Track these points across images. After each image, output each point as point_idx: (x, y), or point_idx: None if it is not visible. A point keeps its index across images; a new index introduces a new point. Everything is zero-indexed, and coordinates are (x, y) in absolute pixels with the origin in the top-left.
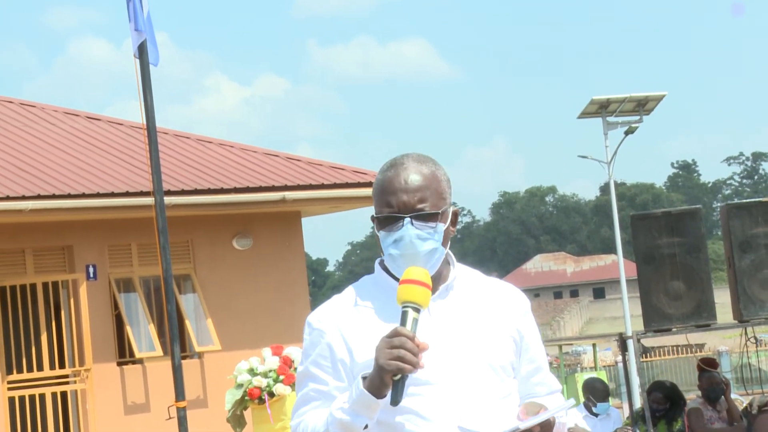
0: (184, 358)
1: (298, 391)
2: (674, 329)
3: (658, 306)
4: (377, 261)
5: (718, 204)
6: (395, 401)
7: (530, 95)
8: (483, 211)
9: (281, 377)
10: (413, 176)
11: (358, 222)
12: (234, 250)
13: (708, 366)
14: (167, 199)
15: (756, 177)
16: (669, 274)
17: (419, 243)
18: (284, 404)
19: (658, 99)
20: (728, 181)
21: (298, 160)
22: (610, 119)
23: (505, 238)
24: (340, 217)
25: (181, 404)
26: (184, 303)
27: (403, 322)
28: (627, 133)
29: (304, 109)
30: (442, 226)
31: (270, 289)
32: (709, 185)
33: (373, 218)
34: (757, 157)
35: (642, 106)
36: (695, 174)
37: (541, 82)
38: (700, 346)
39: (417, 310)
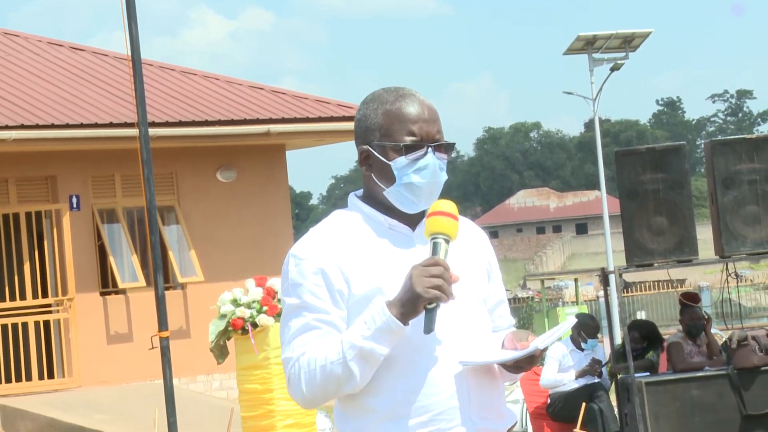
0: (167, 288)
1: (287, 323)
2: (656, 264)
3: (641, 241)
4: (354, 195)
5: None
6: (429, 330)
7: (516, 31)
8: (467, 146)
9: (264, 308)
10: (428, 107)
11: (343, 156)
12: (218, 183)
13: (690, 301)
14: (152, 131)
15: (740, 114)
16: (652, 209)
17: (440, 173)
18: (267, 335)
19: (644, 36)
20: (712, 119)
21: (283, 93)
22: (596, 56)
23: (489, 174)
24: (325, 150)
25: (164, 334)
26: (167, 234)
27: (435, 253)
28: (612, 69)
29: (290, 42)
30: (448, 159)
31: (253, 222)
32: (694, 122)
33: (372, 146)
34: (742, 94)
35: (628, 42)
36: (680, 111)
37: (528, 18)
38: (681, 282)
39: (447, 242)
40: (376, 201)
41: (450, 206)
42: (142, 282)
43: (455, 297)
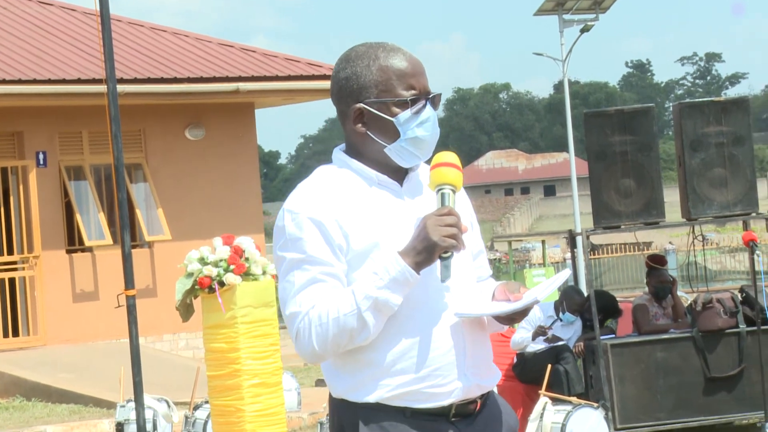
0: (134, 247)
1: (287, 278)
2: (623, 226)
3: (608, 203)
4: (340, 150)
5: (671, 104)
6: (446, 277)
7: None
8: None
9: (232, 267)
10: (418, 61)
11: (312, 115)
12: (186, 141)
13: (656, 263)
14: (120, 87)
15: (708, 77)
16: (620, 171)
17: (437, 126)
18: (234, 294)
19: None
20: (681, 81)
21: (253, 51)
22: (566, 17)
23: (458, 134)
24: (294, 109)
25: (131, 292)
26: (135, 192)
27: (445, 203)
28: (583, 31)
29: (260, 0)
30: None
31: (222, 180)
32: (662, 85)
33: (368, 104)
34: (710, 57)
35: (598, 4)
36: (649, 74)
37: None
38: (648, 244)
39: (454, 192)
40: (365, 157)
41: (453, 157)
42: (109, 240)
43: (465, 247)
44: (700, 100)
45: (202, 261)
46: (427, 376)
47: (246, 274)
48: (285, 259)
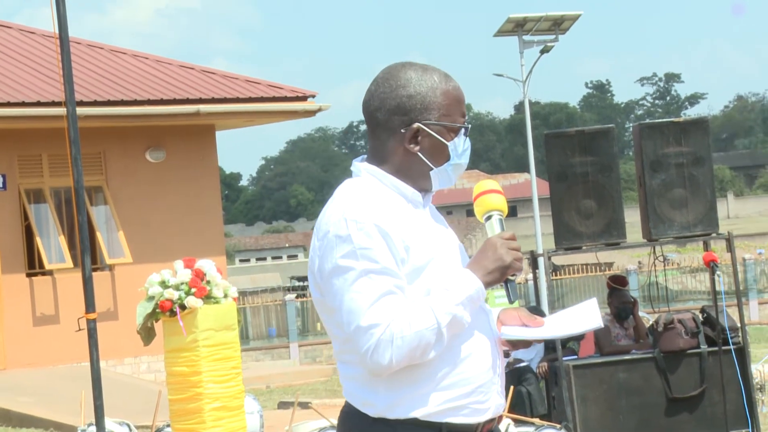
0: (94, 270)
1: (354, 288)
2: (584, 247)
3: (570, 224)
4: (367, 164)
5: (631, 124)
6: (514, 299)
7: (447, 12)
8: None
9: (193, 290)
10: None
11: (273, 137)
12: (147, 163)
13: (618, 284)
14: (80, 110)
15: (668, 98)
16: (581, 192)
17: None
18: (196, 317)
19: (574, 18)
20: (641, 102)
21: (213, 74)
22: (526, 38)
23: None
24: (255, 131)
25: (91, 316)
26: (95, 215)
27: (501, 229)
28: (542, 52)
29: (221, 22)
30: None
31: (183, 203)
32: (622, 105)
33: (426, 125)
34: (670, 77)
35: (558, 25)
36: (609, 94)
37: None
38: (609, 265)
39: (501, 217)
40: (402, 174)
41: (495, 184)
42: (70, 263)
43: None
44: (660, 120)
45: (164, 284)
46: (473, 392)
47: (207, 297)
48: (352, 269)
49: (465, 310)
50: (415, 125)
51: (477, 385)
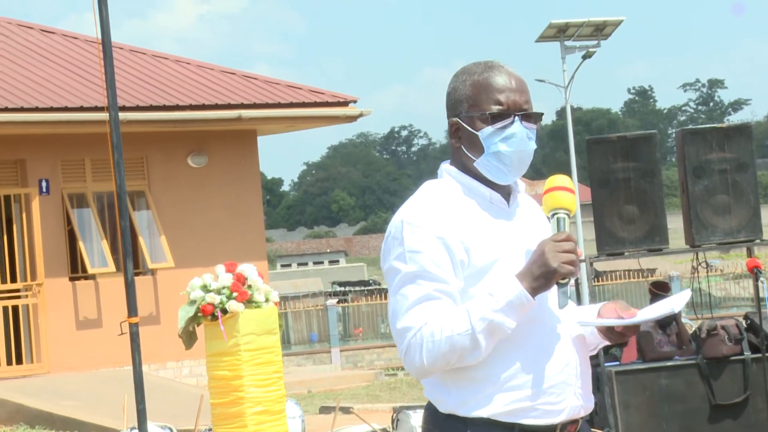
0: (137, 274)
1: (401, 291)
2: (627, 253)
3: (612, 230)
4: (448, 165)
5: (674, 130)
6: (564, 304)
7: (489, 17)
8: (439, 133)
9: (234, 294)
10: (516, 77)
11: (314, 142)
12: (189, 168)
13: (660, 290)
14: (122, 115)
15: (711, 104)
16: (623, 198)
17: (528, 141)
18: (237, 321)
19: (616, 24)
20: (684, 108)
21: (255, 79)
22: (568, 43)
23: None
24: (296, 136)
25: (134, 320)
26: (137, 219)
27: (560, 228)
28: (584, 57)
29: (262, 27)
30: (536, 129)
31: (224, 208)
32: (665, 111)
33: (459, 119)
34: (713, 84)
35: (600, 30)
36: (651, 100)
37: (500, 4)
38: (652, 271)
39: (568, 216)
40: (472, 173)
41: (566, 180)
42: (112, 267)
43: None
44: (703, 126)
45: (205, 288)
46: (542, 393)
47: (249, 302)
48: (400, 271)
49: (506, 317)
50: (452, 120)
51: (548, 386)
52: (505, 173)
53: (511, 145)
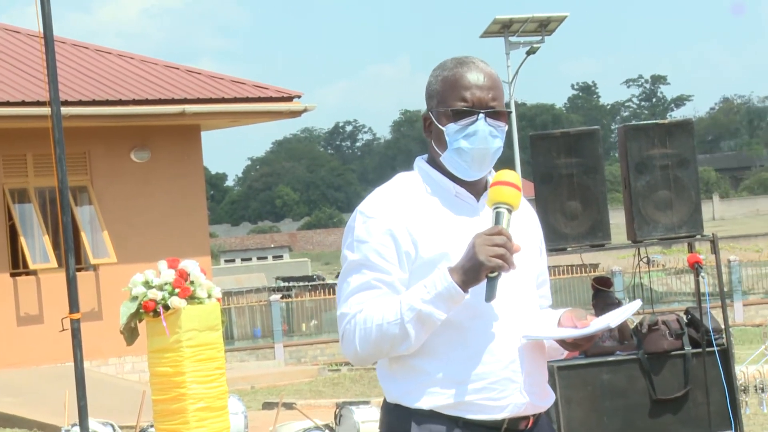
0: (79, 270)
1: (346, 278)
2: (569, 249)
3: (555, 225)
4: (421, 159)
5: (617, 126)
6: (490, 298)
7: (434, 13)
8: (384, 128)
9: (177, 290)
10: (486, 74)
11: (259, 137)
12: (132, 163)
13: (602, 285)
14: (64, 110)
15: (654, 99)
16: (566, 194)
17: (491, 139)
18: (179, 317)
19: (560, 20)
20: (627, 104)
21: (199, 74)
22: (512, 39)
23: (406, 157)
24: (241, 131)
25: (75, 316)
26: (80, 215)
27: (498, 222)
28: (529, 53)
29: (206, 21)
30: (505, 127)
31: (168, 203)
32: (609, 107)
33: (431, 114)
34: (656, 80)
35: (544, 26)
36: (595, 96)
37: (446, 0)
38: (594, 266)
39: (510, 211)
40: (441, 167)
41: (513, 176)
42: (54, 263)
43: (516, 267)
44: (645, 122)
45: (147, 284)
46: (483, 388)
47: (191, 298)
48: (347, 259)
49: (435, 308)
50: (425, 114)
51: (489, 382)
52: (466, 169)
53: (472, 142)
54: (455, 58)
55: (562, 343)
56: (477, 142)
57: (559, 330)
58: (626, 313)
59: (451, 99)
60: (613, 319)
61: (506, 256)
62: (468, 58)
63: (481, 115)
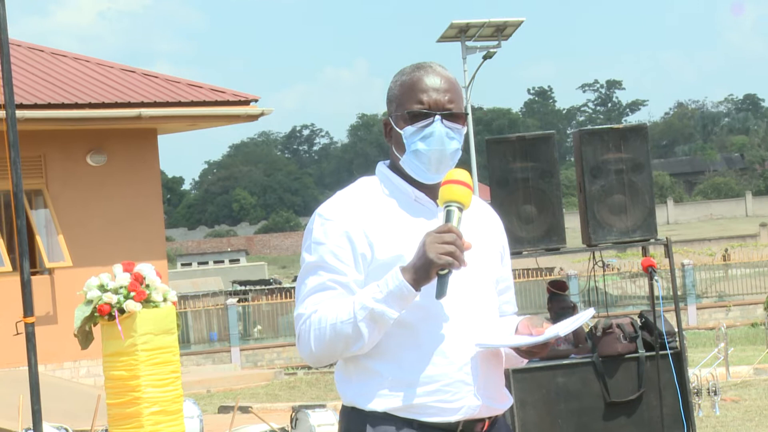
0: (34, 273)
1: (303, 280)
2: (525, 252)
3: (510, 229)
4: (382, 164)
5: (572, 130)
6: (440, 295)
7: (391, 17)
8: (341, 132)
9: (132, 294)
10: (443, 77)
11: (216, 141)
12: (88, 167)
13: (557, 289)
14: (19, 113)
15: (609, 104)
16: (521, 198)
17: (447, 141)
18: (134, 321)
19: (516, 25)
20: (582, 108)
21: (156, 77)
22: (469, 44)
23: (363, 160)
24: (198, 135)
25: (30, 320)
26: (35, 218)
27: (449, 220)
28: (485, 58)
29: (163, 25)
30: (463, 129)
31: (124, 206)
32: (564, 112)
33: (390, 118)
34: (611, 84)
35: (500, 31)
36: (551, 100)
37: (403, 5)
38: (550, 270)
39: (460, 210)
40: (401, 172)
41: (463, 174)
42: (8, 267)
43: (467, 264)
44: (600, 127)
45: (102, 288)
46: (437, 390)
47: (146, 301)
48: (305, 260)
49: (387, 307)
50: (385, 119)
51: (443, 384)
52: (424, 171)
53: (429, 144)
54: (415, 63)
55: (517, 350)
56: (433, 143)
57: (511, 338)
58: (578, 321)
59: (408, 102)
60: (564, 327)
61: (456, 254)
62: (426, 63)
63: (438, 117)
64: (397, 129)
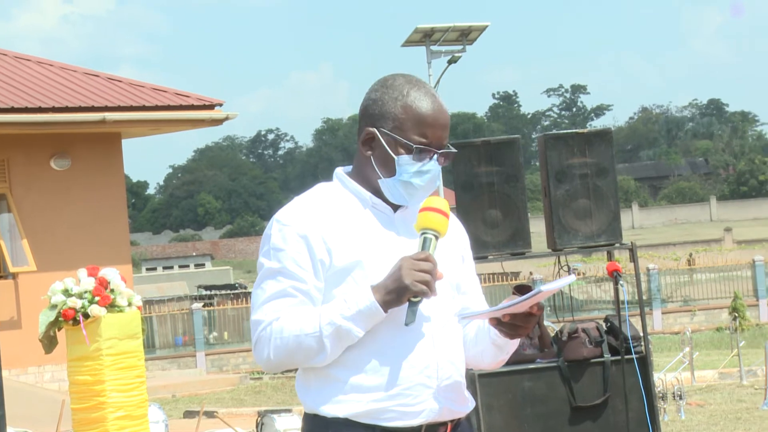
0: None
1: (261, 285)
2: (490, 257)
3: (476, 234)
4: (340, 169)
5: (537, 135)
6: (410, 322)
7: (356, 21)
8: (306, 136)
9: (96, 298)
10: (445, 113)
11: (180, 145)
12: (52, 171)
13: (522, 293)
14: None
15: (574, 109)
16: (486, 202)
17: (437, 179)
18: (99, 325)
19: (481, 29)
20: (547, 113)
21: (119, 81)
22: (434, 48)
23: (328, 165)
24: (162, 139)
25: None
26: None
27: (425, 248)
28: (450, 62)
29: (127, 29)
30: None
31: (88, 211)
32: (529, 116)
33: (382, 133)
34: (576, 89)
35: (465, 35)
36: (516, 105)
37: (368, 9)
38: (515, 274)
39: (437, 238)
40: (364, 180)
41: (442, 203)
42: None
43: (437, 294)
44: (565, 131)
45: (66, 293)
46: (398, 394)
47: (111, 306)
48: (263, 266)
49: (355, 325)
50: (371, 129)
51: (403, 387)
52: (406, 200)
53: (423, 180)
54: (413, 81)
55: (501, 328)
56: (427, 180)
57: (492, 308)
58: (560, 284)
59: (411, 131)
60: (546, 286)
61: (430, 283)
62: (429, 88)
63: (435, 156)
64: (390, 151)
